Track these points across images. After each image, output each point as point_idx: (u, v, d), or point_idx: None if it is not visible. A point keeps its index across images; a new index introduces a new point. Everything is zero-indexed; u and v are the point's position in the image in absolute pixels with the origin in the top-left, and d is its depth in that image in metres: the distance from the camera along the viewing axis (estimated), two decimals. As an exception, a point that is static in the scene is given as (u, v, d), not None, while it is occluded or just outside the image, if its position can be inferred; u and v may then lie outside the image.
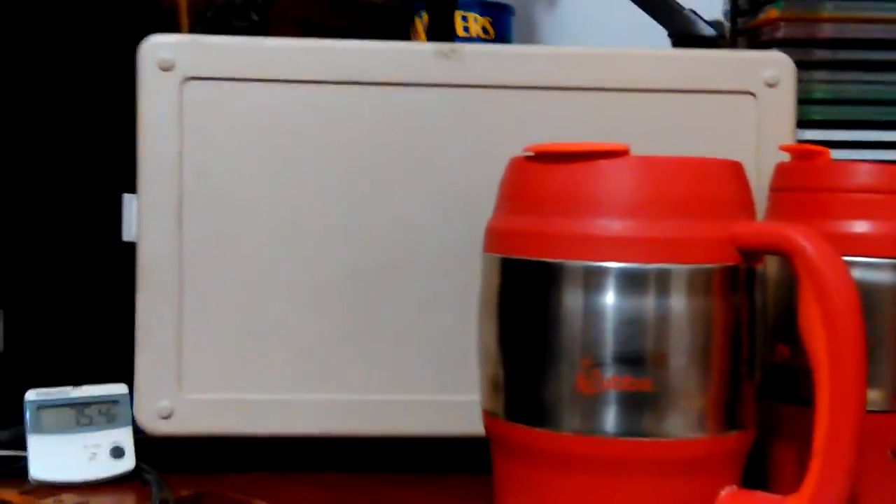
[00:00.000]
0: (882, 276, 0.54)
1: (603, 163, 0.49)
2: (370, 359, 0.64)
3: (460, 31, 1.01)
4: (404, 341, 0.64)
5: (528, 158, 0.52)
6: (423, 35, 1.02)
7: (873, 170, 0.55)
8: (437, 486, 0.64)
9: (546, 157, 0.50)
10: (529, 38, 1.13)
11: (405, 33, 1.06)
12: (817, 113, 0.84)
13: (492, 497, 0.53)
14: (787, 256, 0.48)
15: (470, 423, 0.53)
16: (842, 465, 0.46)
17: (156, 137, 0.63)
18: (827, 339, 0.46)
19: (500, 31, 1.03)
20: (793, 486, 0.48)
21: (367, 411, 0.64)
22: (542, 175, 0.50)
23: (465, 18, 1.02)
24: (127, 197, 0.64)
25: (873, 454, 0.54)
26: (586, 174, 0.49)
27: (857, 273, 0.53)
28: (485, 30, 1.02)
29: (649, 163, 0.49)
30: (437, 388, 0.64)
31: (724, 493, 0.49)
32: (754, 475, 0.54)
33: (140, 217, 0.63)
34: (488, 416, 0.52)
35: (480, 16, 1.02)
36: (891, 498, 0.55)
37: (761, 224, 0.51)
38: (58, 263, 0.80)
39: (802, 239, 0.47)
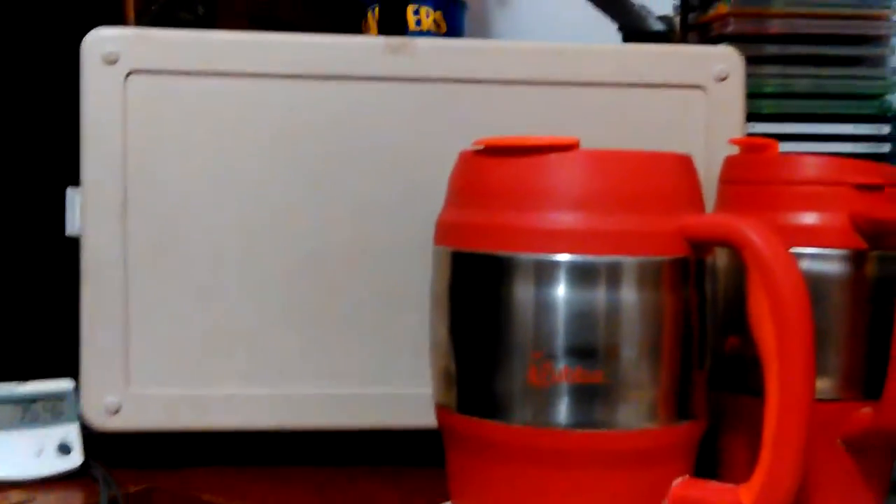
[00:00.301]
0: (829, 267, 0.55)
1: (552, 156, 0.49)
2: (323, 352, 0.63)
3: (412, 25, 1.01)
4: (358, 334, 0.64)
5: (477, 152, 0.51)
6: (375, 29, 1.01)
7: (820, 162, 0.56)
8: (392, 478, 0.64)
9: (496, 151, 0.50)
10: (482, 32, 1.12)
11: (357, 27, 1.05)
12: (767, 107, 0.85)
13: (446, 490, 0.52)
14: (735, 248, 0.48)
15: (428, 415, 0.53)
16: (791, 454, 0.47)
17: (100, 131, 0.62)
18: (775, 329, 0.47)
19: (453, 25, 1.03)
20: (744, 475, 0.48)
21: (319, 404, 0.63)
22: (491, 169, 0.50)
23: (417, 12, 1.01)
24: (71, 191, 0.63)
25: (824, 442, 0.54)
26: (536, 168, 0.49)
27: (805, 264, 0.54)
28: (437, 24, 1.02)
29: (599, 156, 0.49)
30: (394, 381, 0.63)
31: (676, 483, 0.49)
32: (706, 465, 0.54)
33: (84, 211, 0.62)
34: (441, 409, 0.52)
35: (433, 10, 1.02)
36: (842, 485, 0.56)
37: (710, 216, 0.51)
38: (1, 259, 0.79)
39: (750, 231, 0.47)
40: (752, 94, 0.83)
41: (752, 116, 0.83)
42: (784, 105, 0.85)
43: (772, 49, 0.85)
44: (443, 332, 0.51)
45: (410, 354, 0.62)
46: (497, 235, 0.49)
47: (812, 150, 0.83)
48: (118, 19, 0.85)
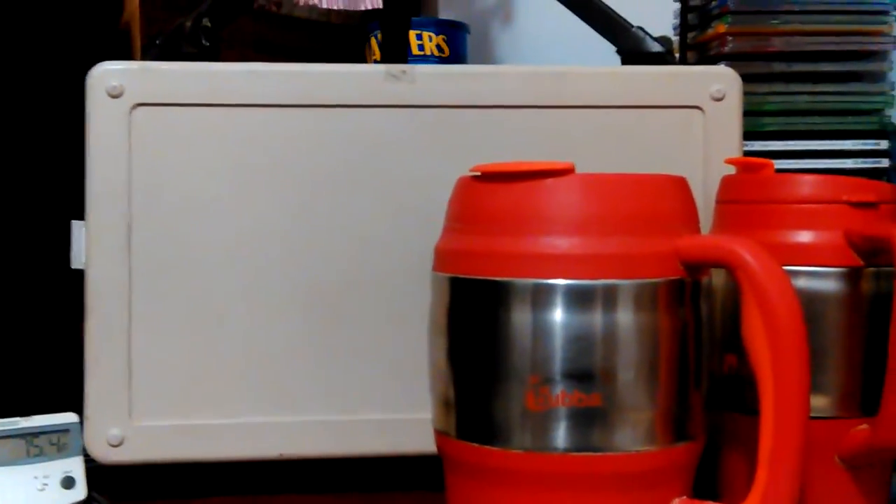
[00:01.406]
0: (826, 285, 0.55)
1: (548, 182, 0.49)
2: (325, 380, 0.64)
3: (415, 50, 1.02)
4: (359, 361, 0.64)
5: (474, 178, 0.52)
6: (378, 54, 1.02)
7: (815, 181, 0.56)
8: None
9: (492, 177, 0.51)
10: (484, 55, 1.13)
11: (361, 52, 1.06)
12: (769, 124, 0.85)
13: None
14: (729, 269, 0.48)
15: (431, 441, 0.54)
16: (788, 474, 0.47)
17: (104, 164, 0.63)
18: (770, 350, 0.47)
19: (455, 48, 1.04)
20: (744, 494, 0.48)
21: (322, 433, 0.64)
22: (488, 194, 0.51)
23: (419, 37, 1.02)
24: (76, 224, 0.64)
25: (820, 461, 0.55)
26: (532, 193, 0.49)
27: (801, 282, 0.54)
28: (439, 48, 1.03)
29: (593, 180, 0.50)
30: (395, 408, 0.64)
31: (674, 503, 0.49)
32: (706, 485, 0.55)
33: (88, 243, 0.63)
34: (439, 434, 0.52)
35: (435, 34, 1.03)
36: (839, 503, 0.56)
37: (704, 238, 0.51)
38: (5, 292, 0.79)
39: (743, 252, 0.48)
40: (753, 112, 0.84)
41: (752, 134, 0.84)
42: (784, 122, 0.85)
43: (770, 67, 0.86)
44: (441, 357, 0.51)
45: (414, 381, 0.63)
46: (493, 261, 0.49)
47: (813, 166, 0.84)
48: (126, 54, 0.86)
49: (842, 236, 0.55)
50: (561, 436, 0.48)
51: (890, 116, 0.86)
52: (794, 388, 0.47)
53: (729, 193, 0.59)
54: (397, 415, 0.64)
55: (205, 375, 0.63)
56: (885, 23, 0.86)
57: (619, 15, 0.74)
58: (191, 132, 0.64)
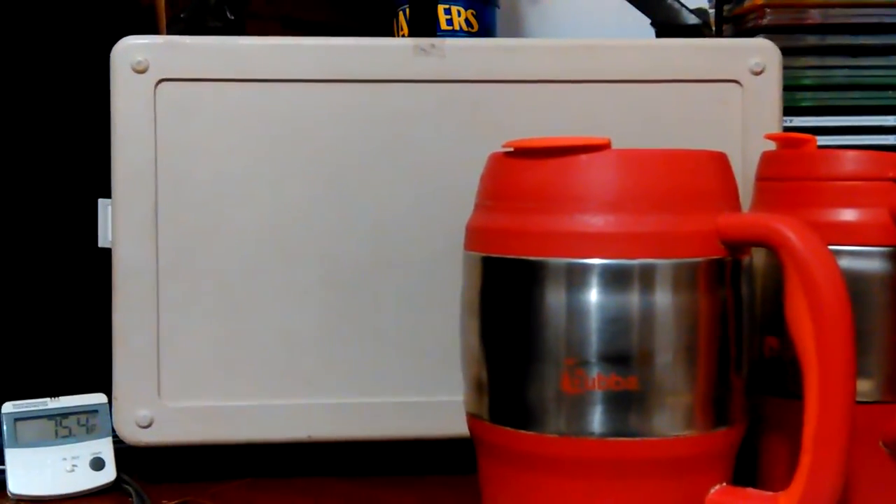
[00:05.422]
0: (871, 265, 0.54)
1: (583, 157, 0.48)
2: (354, 361, 0.63)
3: (444, 25, 1.00)
4: (389, 342, 0.63)
5: (507, 154, 0.51)
6: (406, 29, 1.01)
7: (859, 157, 0.55)
8: (426, 488, 0.63)
9: (525, 153, 0.49)
10: (514, 29, 1.12)
11: (388, 27, 1.05)
12: (806, 99, 0.83)
13: (479, 498, 0.52)
14: (772, 249, 0.47)
15: (458, 424, 0.53)
16: (833, 459, 0.46)
17: (130, 141, 0.62)
18: (814, 331, 0.46)
19: (484, 23, 1.02)
20: (786, 480, 0.47)
21: (352, 415, 0.63)
22: (521, 171, 0.50)
23: (448, 11, 1.01)
24: (102, 202, 0.63)
25: (865, 446, 0.53)
26: (566, 169, 0.48)
27: (845, 262, 0.53)
28: (468, 22, 1.01)
29: (630, 156, 0.48)
30: (424, 390, 0.63)
31: (714, 490, 0.48)
32: (746, 470, 0.53)
33: (115, 222, 0.62)
34: (472, 418, 0.51)
35: (464, 8, 1.01)
36: (884, 489, 0.54)
37: (746, 216, 0.50)
38: (32, 271, 0.79)
39: (787, 230, 0.46)
40: (790, 87, 0.82)
41: (789, 110, 0.82)
42: (822, 97, 0.83)
43: (808, 40, 0.84)
44: (474, 339, 0.50)
45: (443, 362, 0.62)
46: (527, 240, 0.48)
47: (850, 142, 0.82)
48: (151, 28, 0.85)
49: (887, 214, 0.53)
50: (597, 420, 0.47)
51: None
52: (839, 372, 0.45)
53: (770, 170, 0.57)
54: (428, 397, 0.63)
55: (234, 356, 0.63)
56: (924, -7, 0.84)
57: (653, -14, 0.73)
58: (216, 107, 0.63)
